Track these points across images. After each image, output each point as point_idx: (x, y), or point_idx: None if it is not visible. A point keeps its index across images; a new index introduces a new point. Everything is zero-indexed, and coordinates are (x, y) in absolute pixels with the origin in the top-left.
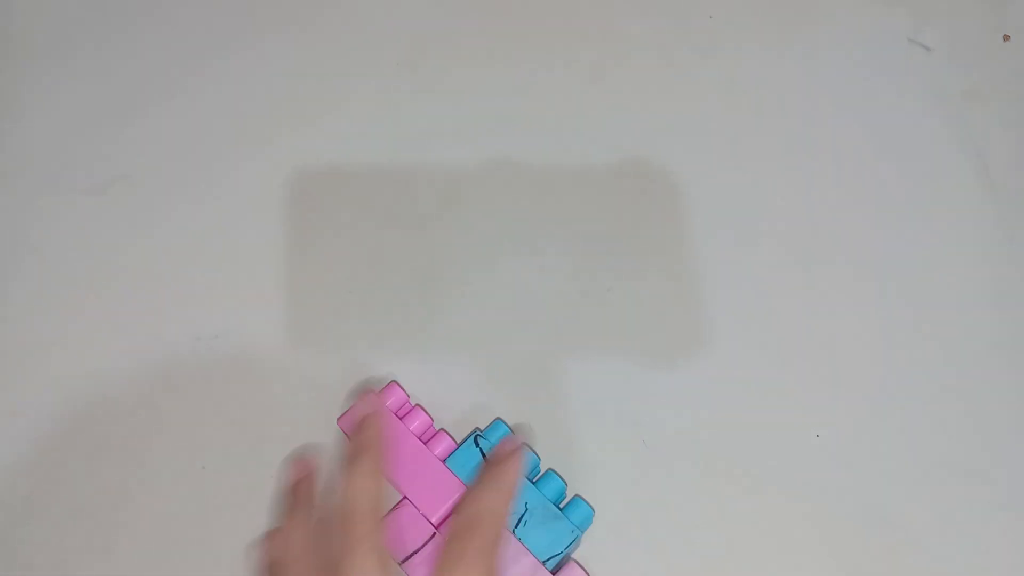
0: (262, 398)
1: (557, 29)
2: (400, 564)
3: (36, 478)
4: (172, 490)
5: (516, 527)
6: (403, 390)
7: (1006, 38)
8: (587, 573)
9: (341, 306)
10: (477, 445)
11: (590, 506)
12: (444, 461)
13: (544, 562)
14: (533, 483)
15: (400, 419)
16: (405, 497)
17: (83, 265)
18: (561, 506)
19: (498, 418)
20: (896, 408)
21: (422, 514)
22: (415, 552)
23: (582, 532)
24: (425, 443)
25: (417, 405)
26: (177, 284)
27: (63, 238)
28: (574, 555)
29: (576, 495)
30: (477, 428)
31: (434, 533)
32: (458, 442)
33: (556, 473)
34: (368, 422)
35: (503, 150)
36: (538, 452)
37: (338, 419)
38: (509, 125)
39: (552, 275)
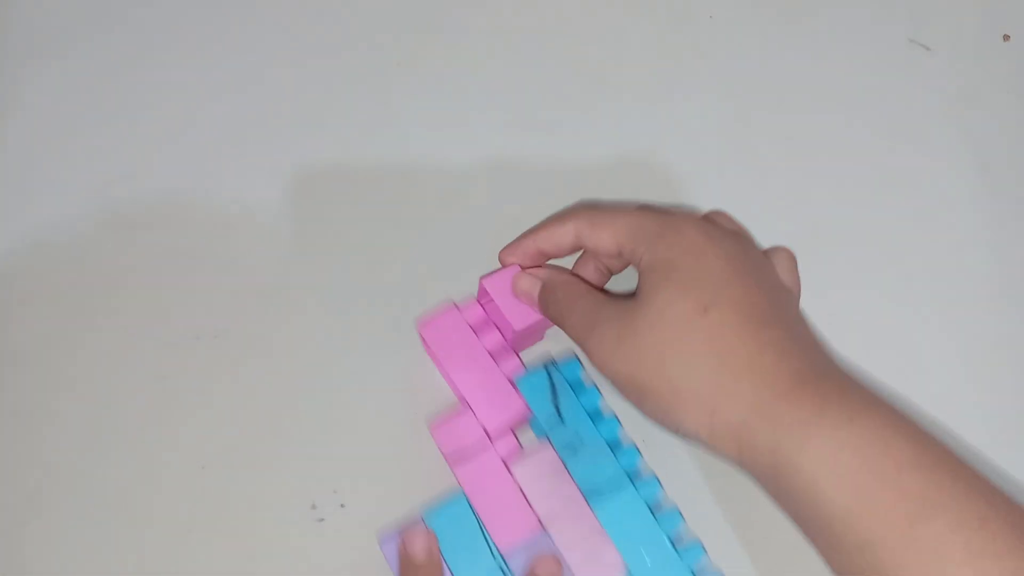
0: (262, 398)
1: (557, 29)
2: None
3: (37, 479)
4: (172, 490)
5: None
6: (482, 307)
7: (1006, 38)
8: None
9: (341, 306)
10: (547, 372)
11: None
12: (514, 382)
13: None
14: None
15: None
16: (467, 403)
17: (83, 265)
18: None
19: (576, 356)
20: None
21: (479, 422)
22: (469, 456)
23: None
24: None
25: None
26: (177, 284)
27: (63, 238)
28: None
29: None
30: (552, 359)
31: (487, 444)
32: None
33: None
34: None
35: (503, 150)
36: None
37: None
38: (509, 125)
39: None
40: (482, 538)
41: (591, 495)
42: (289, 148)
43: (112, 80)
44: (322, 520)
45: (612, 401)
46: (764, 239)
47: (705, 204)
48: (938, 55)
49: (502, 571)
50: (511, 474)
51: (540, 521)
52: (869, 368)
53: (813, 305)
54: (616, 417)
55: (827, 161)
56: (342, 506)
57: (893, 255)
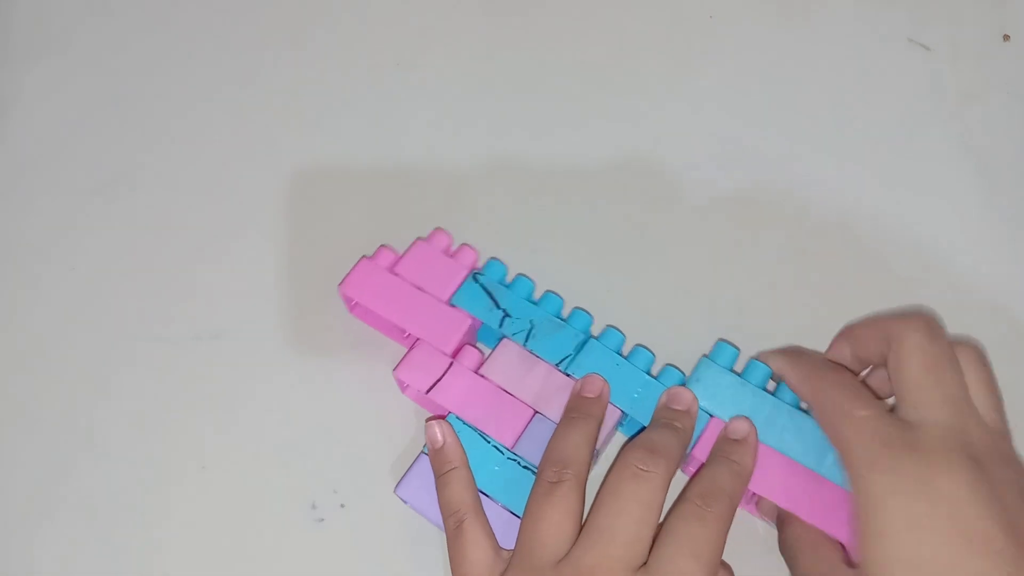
0: (262, 398)
1: (558, 29)
2: (426, 392)
3: (37, 478)
4: (172, 490)
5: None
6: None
7: (1006, 38)
8: None
9: (341, 306)
10: (476, 281)
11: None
12: (449, 302)
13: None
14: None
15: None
16: (417, 338)
17: (83, 265)
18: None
19: (493, 257)
20: None
21: (436, 348)
22: (438, 380)
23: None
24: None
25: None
26: (177, 284)
27: (63, 238)
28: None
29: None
30: (475, 268)
31: (451, 363)
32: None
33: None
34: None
35: (503, 150)
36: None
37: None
38: (509, 125)
39: (552, 275)
40: (486, 443)
41: (563, 363)
42: (289, 148)
43: (112, 79)
44: (322, 520)
45: (543, 282)
46: (763, 239)
47: (704, 203)
48: (938, 55)
49: (516, 462)
50: (485, 378)
51: (531, 406)
52: None
53: (812, 306)
54: (554, 293)
55: (826, 161)
56: (342, 506)
57: (892, 256)
